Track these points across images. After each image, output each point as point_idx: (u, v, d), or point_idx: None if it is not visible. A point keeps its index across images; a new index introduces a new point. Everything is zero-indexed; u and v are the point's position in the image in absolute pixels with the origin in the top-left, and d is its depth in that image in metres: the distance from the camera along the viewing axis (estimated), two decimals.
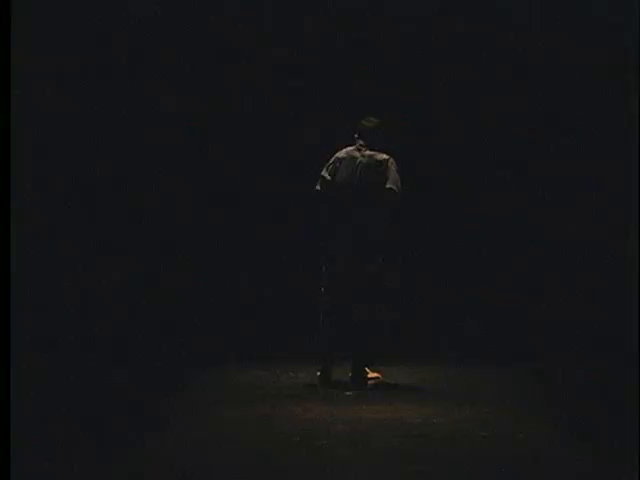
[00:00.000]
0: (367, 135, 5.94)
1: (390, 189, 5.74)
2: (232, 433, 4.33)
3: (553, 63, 7.50)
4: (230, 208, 7.71)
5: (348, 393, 5.43)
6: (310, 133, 7.47)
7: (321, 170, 5.96)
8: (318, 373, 5.80)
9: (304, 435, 4.23)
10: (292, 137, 7.57)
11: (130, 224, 7.52)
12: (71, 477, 3.55)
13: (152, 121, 7.59)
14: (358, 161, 5.88)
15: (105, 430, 4.39)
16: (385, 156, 5.86)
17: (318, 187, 5.92)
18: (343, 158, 5.95)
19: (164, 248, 7.59)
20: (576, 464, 3.75)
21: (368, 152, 5.90)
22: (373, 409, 4.90)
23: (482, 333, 7.25)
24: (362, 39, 7.59)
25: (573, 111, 7.44)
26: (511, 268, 7.54)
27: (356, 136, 5.97)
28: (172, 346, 7.05)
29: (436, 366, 6.49)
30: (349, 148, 5.98)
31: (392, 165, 5.82)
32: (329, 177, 5.91)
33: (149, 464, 3.74)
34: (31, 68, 6.85)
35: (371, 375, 5.81)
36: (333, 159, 5.97)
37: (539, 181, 7.57)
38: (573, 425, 4.55)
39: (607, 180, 7.29)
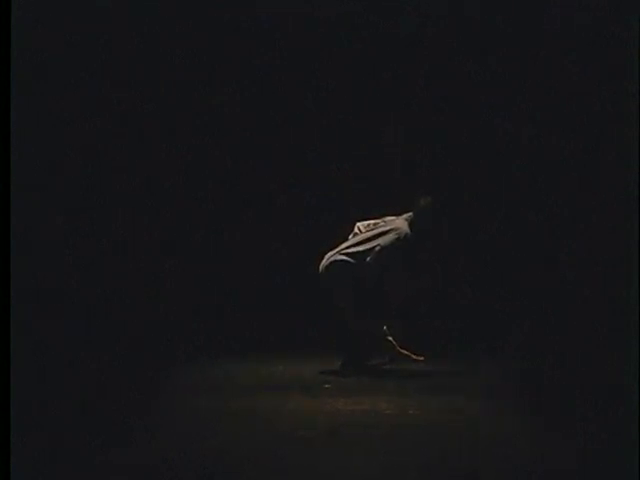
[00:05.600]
0: (416, 213, 6.10)
1: (374, 247, 5.93)
2: (214, 424, 4.40)
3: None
4: (228, 206, 7.75)
5: (327, 385, 5.48)
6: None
7: None
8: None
9: (284, 426, 4.30)
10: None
11: (124, 222, 7.56)
12: (61, 472, 3.58)
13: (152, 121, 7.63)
14: (377, 227, 6.16)
15: (93, 427, 4.42)
16: (394, 225, 6.03)
17: None
18: None
19: (157, 244, 7.62)
20: (552, 458, 3.77)
21: (390, 218, 6.15)
22: (352, 401, 4.97)
23: (472, 329, 7.30)
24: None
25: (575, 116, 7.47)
26: (506, 266, 7.57)
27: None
28: (153, 341, 7.09)
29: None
30: None
31: (394, 232, 5.98)
32: None
33: (136, 457, 3.78)
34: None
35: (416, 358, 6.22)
36: None
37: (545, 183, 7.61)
38: (553, 420, 4.57)
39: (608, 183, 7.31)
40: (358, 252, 5.98)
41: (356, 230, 6.25)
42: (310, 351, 6.81)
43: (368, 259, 5.92)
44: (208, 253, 7.73)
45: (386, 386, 5.50)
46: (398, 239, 5.94)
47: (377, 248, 5.93)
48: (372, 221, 6.26)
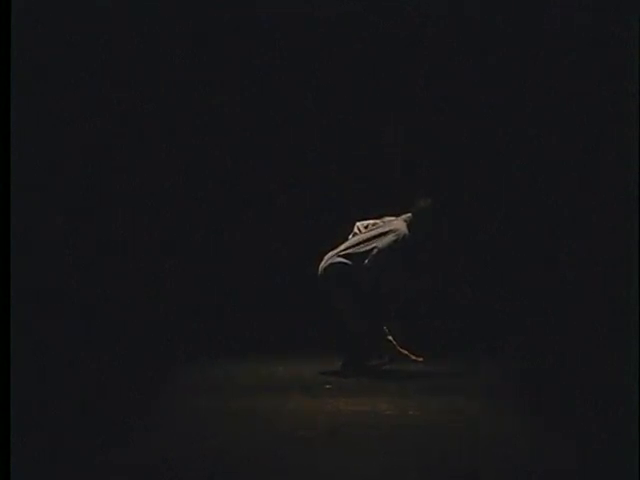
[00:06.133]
0: (415, 214, 6.08)
1: (372, 249, 5.90)
2: (214, 424, 4.40)
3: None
4: (228, 206, 7.75)
5: (328, 386, 5.48)
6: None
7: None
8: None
9: (284, 426, 4.30)
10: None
11: (124, 222, 7.57)
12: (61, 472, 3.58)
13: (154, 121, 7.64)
14: (376, 227, 6.15)
15: (93, 427, 4.42)
16: (393, 227, 6.01)
17: None
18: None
19: (157, 244, 7.63)
20: (553, 459, 3.77)
21: (389, 218, 6.12)
22: (352, 401, 4.97)
23: (472, 329, 7.32)
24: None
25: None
26: (506, 266, 7.57)
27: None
28: (153, 340, 7.11)
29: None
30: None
31: (392, 234, 5.95)
32: None
33: (136, 457, 3.78)
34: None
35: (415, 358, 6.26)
36: None
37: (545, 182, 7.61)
38: (553, 421, 4.57)
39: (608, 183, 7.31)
40: (356, 254, 5.97)
41: (355, 230, 6.25)
42: (310, 351, 6.81)
43: (366, 261, 5.91)
44: (208, 253, 7.72)
45: (386, 387, 5.50)
46: (396, 241, 5.93)
47: (375, 251, 5.91)
48: (371, 221, 6.26)
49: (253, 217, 7.76)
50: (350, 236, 6.22)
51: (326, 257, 6.10)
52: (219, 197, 7.76)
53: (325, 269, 6.04)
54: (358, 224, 6.29)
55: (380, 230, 6.06)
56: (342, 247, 6.10)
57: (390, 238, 5.95)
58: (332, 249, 6.13)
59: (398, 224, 6.04)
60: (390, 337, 6.21)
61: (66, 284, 7.25)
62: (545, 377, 5.86)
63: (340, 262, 6.00)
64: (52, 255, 7.24)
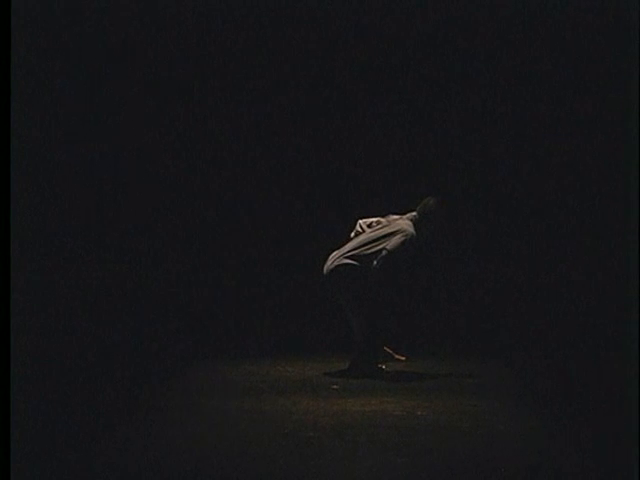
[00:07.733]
0: (420, 212, 6.01)
1: (381, 250, 5.82)
2: (221, 425, 4.38)
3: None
4: (226, 207, 7.76)
5: (335, 386, 5.48)
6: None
7: None
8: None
9: (292, 427, 4.29)
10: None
11: (125, 220, 7.58)
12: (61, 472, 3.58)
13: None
14: (381, 226, 6.04)
15: (95, 425, 4.42)
16: (399, 227, 5.91)
17: None
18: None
19: (159, 243, 7.64)
20: (559, 459, 3.77)
21: (393, 217, 6.04)
22: (359, 402, 4.95)
23: (474, 329, 7.33)
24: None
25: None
26: (509, 264, 7.57)
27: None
28: (162, 340, 7.11)
29: (423, 360, 6.51)
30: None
31: (400, 234, 5.85)
32: None
33: (139, 457, 3.78)
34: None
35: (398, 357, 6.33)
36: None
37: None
38: (560, 421, 4.57)
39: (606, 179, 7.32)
40: (364, 255, 5.86)
41: (358, 228, 6.12)
42: (318, 352, 6.81)
43: (374, 263, 5.81)
44: (216, 255, 7.71)
45: (394, 387, 5.47)
46: (404, 242, 5.82)
47: (384, 252, 5.80)
48: (374, 219, 6.14)
49: (256, 218, 7.74)
50: (352, 234, 6.11)
51: (331, 257, 5.98)
52: (221, 197, 7.75)
53: (332, 270, 5.93)
54: (361, 222, 6.16)
55: (387, 230, 5.93)
56: (348, 247, 5.98)
57: (398, 239, 5.84)
58: (336, 249, 6.03)
59: (404, 224, 5.93)
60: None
61: (71, 283, 7.26)
62: (551, 377, 5.85)
63: (347, 263, 5.90)
64: (53, 255, 7.24)
